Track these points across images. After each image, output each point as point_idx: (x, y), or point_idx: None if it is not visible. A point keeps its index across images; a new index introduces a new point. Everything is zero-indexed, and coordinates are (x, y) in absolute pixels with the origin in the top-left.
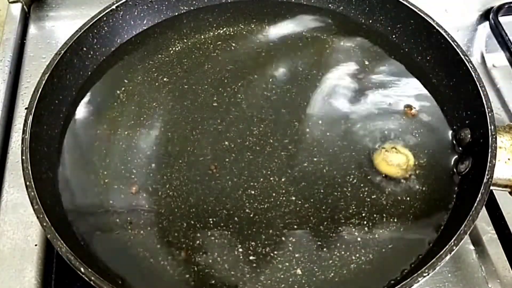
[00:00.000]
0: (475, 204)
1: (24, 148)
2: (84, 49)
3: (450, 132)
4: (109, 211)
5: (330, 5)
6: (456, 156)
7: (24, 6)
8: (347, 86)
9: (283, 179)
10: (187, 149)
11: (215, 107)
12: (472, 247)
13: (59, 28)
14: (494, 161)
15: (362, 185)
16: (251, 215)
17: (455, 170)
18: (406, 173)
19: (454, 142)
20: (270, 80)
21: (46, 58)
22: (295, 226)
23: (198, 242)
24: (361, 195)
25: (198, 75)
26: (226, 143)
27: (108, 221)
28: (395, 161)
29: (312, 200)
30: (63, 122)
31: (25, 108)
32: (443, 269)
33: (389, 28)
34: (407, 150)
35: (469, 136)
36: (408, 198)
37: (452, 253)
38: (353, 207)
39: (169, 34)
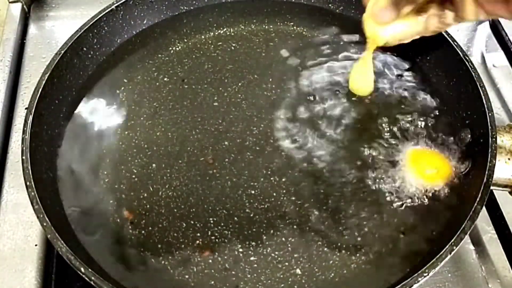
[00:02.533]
0: (475, 204)
1: (24, 148)
2: (84, 49)
3: (450, 132)
4: (109, 211)
5: (330, 5)
6: (456, 156)
7: (24, 6)
8: (348, 86)
9: (283, 179)
10: (187, 149)
11: (215, 107)
12: (472, 247)
13: (59, 28)
14: (494, 161)
15: (362, 185)
16: (251, 215)
17: (455, 170)
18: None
19: (454, 142)
20: (270, 80)
21: (46, 58)
22: (295, 226)
23: (198, 242)
24: (361, 195)
25: (198, 75)
26: (226, 143)
27: (108, 221)
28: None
29: (312, 200)
30: (63, 122)
31: (25, 108)
32: (443, 269)
33: None
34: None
35: (469, 136)
36: (408, 198)
37: (452, 253)
38: (353, 207)
39: (169, 34)
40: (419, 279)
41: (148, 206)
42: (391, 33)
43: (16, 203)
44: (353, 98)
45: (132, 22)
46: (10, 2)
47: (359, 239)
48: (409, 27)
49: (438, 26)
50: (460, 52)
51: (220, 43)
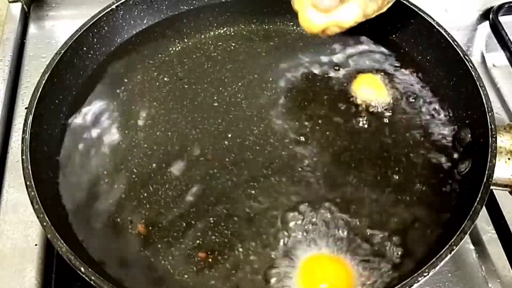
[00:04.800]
0: (475, 204)
1: (24, 147)
2: (84, 48)
3: (450, 132)
4: (109, 210)
5: None
6: (456, 156)
7: (24, 6)
8: (347, 85)
9: (283, 179)
10: (187, 149)
11: (215, 107)
12: (472, 247)
13: (59, 27)
14: (494, 161)
15: (362, 185)
16: (251, 215)
17: (455, 170)
18: None
19: (454, 142)
20: (270, 79)
21: (46, 58)
22: (296, 226)
23: (198, 242)
24: (361, 195)
25: (198, 75)
26: (226, 142)
27: (108, 221)
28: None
29: (312, 200)
30: (63, 122)
31: (25, 108)
32: (443, 268)
33: (389, 28)
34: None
35: (469, 136)
36: (408, 198)
37: (452, 253)
38: (354, 207)
39: (169, 34)
40: (419, 279)
41: (148, 206)
42: (331, 19)
43: (16, 203)
44: (352, 100)
45: (132, 22)
46: (10, 2)
47: (358, 241)
48: (348, 13)
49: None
50: (460, 52)
51: (220, 42)
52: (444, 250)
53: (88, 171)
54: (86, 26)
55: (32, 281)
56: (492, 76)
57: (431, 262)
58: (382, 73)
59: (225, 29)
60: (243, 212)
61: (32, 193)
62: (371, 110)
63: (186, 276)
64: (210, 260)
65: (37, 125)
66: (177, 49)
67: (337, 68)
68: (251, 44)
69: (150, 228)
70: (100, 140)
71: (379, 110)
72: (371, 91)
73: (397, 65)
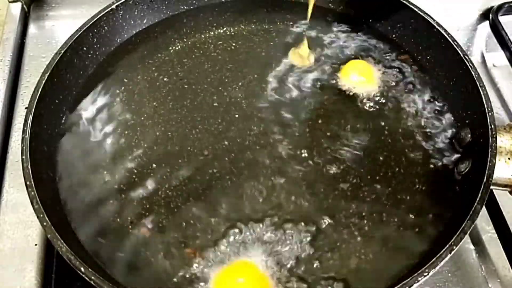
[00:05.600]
0: (475, 204)
1: (24, 147)
2: (84, 48)
3: (450, 132)
4: (109, 211)
5: (330, 5)
6: (456, 156)
7: (24, 6)
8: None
9: (283, 179)
10: (187, 148)
11: (215, 107)
12: (472, 247)
13: (59, 27)
14: (494, 161)
15: (362, 184)
16: (251, 216)
17: (455, 170)
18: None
19: (454, 142)
20: (270, 79)
21: (46, 58)
22: (295, 226)
23: (198, 241)
24: (361, 195)
25: (198, 75)
26: (226, 142)
27: (108, 221)
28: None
29: (313, 200)
30: (63, 122)
31: (25, 108)
32: (443, 268)
33: (389, 28)
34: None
35: (469, 136)
36: (408, 198)
37: (452, 252)
38: (354, 207)
39: (169, 34)
40: (419, 278)
41: (148, 206)
42: None
43: (16, 203)
44: (352, 100)
45: (132, 22)
46: (10, 2)
47: (358, 238)
48: None
49: None
50: (460, 52)
51: (220, 42)
52: (444, 250)
53: (88, 171)
54: (86, 26)
55: (32, 281)
56: (492, 76)
57: (431, 261)
58: (382, 72)
59: (225, 29)
60: (243, 213)
61: (32, 193)
62: (371, 108)
63: (186, 276)
64: (210, 259)
65: (37, 125)
66: (177, 48)
67: (337, 66)
68: (251, 44)
69: (150, 228)
70: (100, 140)
71: (380, 109)
72: (362, 79)
73: (396, 65)
